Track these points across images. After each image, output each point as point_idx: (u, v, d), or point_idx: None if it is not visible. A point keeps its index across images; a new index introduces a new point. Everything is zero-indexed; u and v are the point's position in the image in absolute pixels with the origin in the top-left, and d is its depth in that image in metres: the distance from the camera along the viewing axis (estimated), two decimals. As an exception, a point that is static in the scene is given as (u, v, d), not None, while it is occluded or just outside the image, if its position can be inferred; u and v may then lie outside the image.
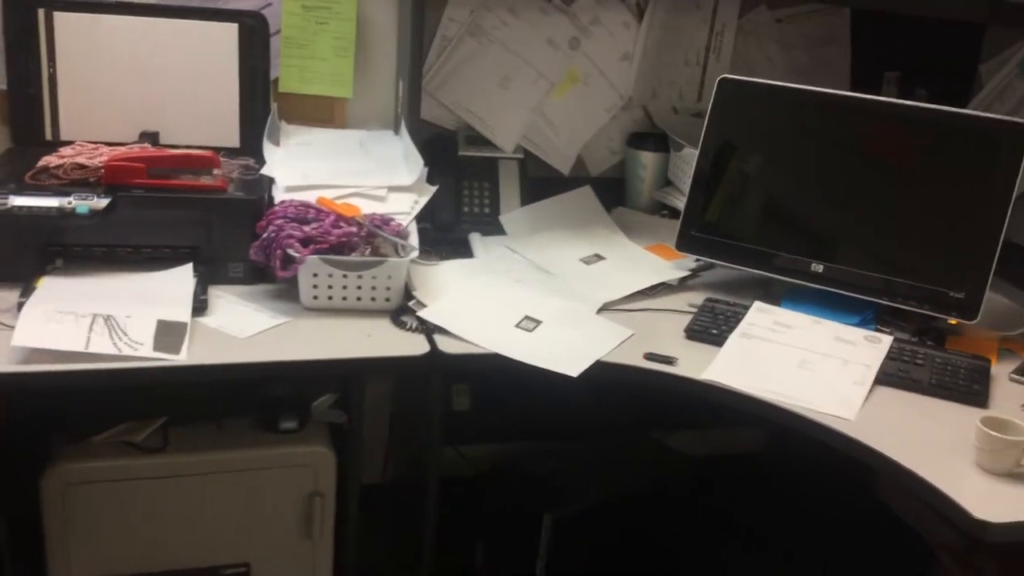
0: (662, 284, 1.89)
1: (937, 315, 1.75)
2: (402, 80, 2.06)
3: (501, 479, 2.20)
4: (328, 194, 1.73)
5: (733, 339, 1.67)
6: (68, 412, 1.64)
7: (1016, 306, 1.83)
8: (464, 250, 1.97)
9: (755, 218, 1.91)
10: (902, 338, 1.73)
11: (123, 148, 1.76)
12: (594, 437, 2.25)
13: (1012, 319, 1.79)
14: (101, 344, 1.43)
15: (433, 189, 1.81)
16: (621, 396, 1.90)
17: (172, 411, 1.68)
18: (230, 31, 1.90)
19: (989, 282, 1.69)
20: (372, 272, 1.64)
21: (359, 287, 1.65)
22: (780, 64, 2.36)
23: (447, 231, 2.00)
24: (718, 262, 1.92)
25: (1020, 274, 1.94)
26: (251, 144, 1.90)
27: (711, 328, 1.71)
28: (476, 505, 2.15)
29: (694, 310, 1.78)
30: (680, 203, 2.00)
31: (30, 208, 1.58)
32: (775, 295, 1.85)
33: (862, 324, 1.76)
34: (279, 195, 1.72)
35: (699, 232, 1.92)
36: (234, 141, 1.94)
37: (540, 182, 2.20)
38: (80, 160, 1.67)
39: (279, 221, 1.63)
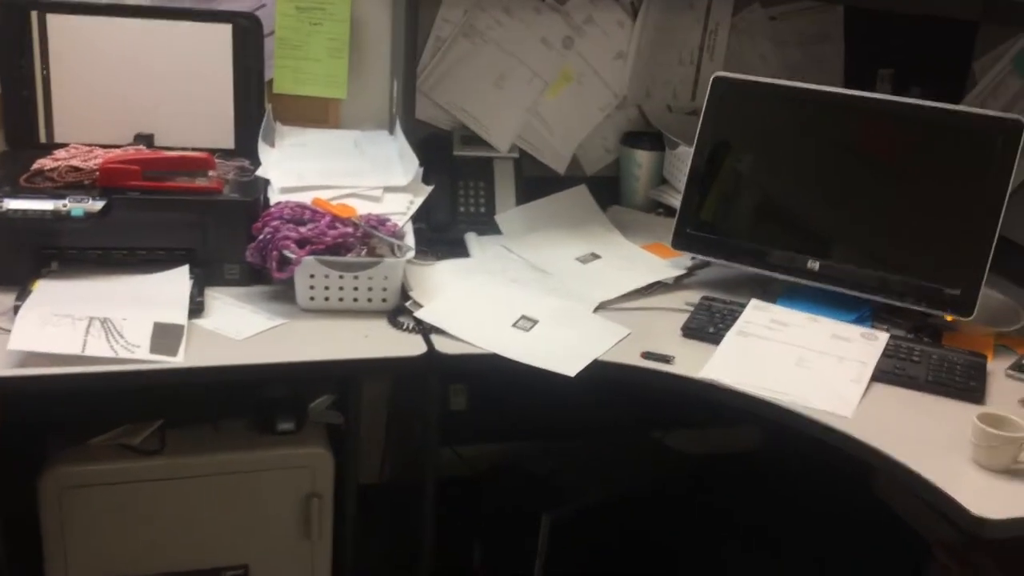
0: (658, 283, 1.89)
1: (933, 312, 1.75)
2: (396, 80, 2.06)
3: (499, 479, 2.20)
4: (324, 195, 1.73)
5: (730, 337, 1.67)
6: (65, 415, 1.64)
7: (1012, 302, 1.83)
8: (460, 250, 1.97)
9: (750, 216, 1.91)
10: (898, 335, 1.73)
11: (118, 150, 1.75)
12: (591, 436, 2.25)
13: (1008, 315, 1.79)
14: (98, 347, 1.43)
15: (428, 189, 1.81)
16: (618, 395, 1.89)
17: (169, 413, 1.68)
18: (224, 32, 1.90)
19: (984, 278, 1.69)
20: (368, 273, 1.64)
21: (355, 288, 1.65)
22: (774, 62, 2.36)
23: (443, 231, 2.00)
24: (714, 260, 1.92)
25: (1015, 270, 1.95)
26: (246, 145, 1.89)
27: (708, 326, 1.71)
28: (474, 505, 2.15)
29: (691, 308, 1.78)
30: (675, 201, 2.00)
31: (25, 211, 1.57)
32: (771, 293, 1.85)
33: (858, 321, 1.76)
34: (275, 196, 1.72)
35: (695, 230, 1.92)
36: (229, 143, 1.94)
37: (535, 181, 2.20)
38: (75, 163, 1.67)
39: (275, 222, 1.63)
